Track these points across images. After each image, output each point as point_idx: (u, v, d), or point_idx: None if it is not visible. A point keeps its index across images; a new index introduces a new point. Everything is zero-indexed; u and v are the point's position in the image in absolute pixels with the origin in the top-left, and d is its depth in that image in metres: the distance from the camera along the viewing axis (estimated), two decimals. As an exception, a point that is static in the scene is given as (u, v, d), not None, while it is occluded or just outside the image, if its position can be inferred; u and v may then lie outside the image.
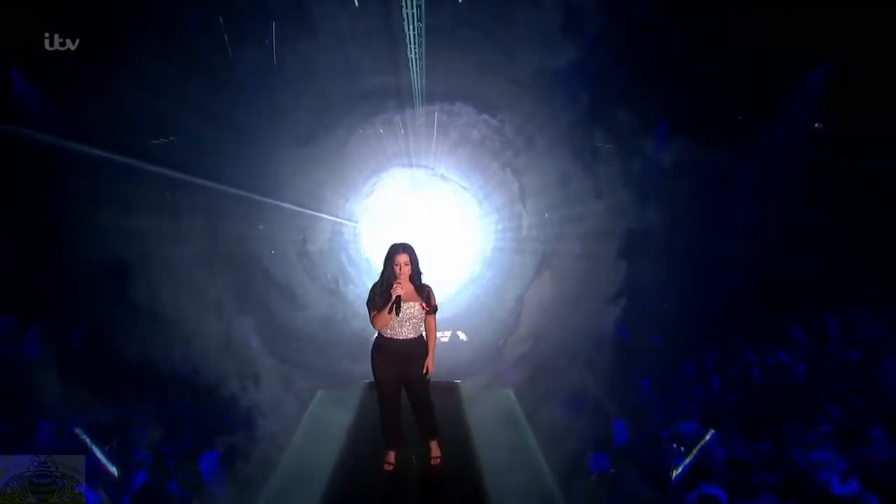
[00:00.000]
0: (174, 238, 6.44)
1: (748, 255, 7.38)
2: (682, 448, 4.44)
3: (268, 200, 7.87)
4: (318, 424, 4.49)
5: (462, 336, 9.01)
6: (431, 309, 3.53)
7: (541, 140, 7.77)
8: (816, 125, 6.97)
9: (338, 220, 10.66)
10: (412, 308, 3.46)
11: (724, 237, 7.50)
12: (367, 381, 5.36)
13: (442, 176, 11.68)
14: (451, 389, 4.87)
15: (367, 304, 3.49)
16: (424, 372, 3.49)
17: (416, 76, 7.54)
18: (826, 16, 5.61)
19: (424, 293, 3.49)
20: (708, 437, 4.46)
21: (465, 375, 6.15)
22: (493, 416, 4.62)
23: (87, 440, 4.08)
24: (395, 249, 3.44)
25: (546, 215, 8.99)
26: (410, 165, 10.60)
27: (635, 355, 7.16)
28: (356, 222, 11.67)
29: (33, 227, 6.41)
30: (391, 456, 3.72)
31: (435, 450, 3.79)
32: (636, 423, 6.01)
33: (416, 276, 3.46)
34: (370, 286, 3.55)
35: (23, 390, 5.31)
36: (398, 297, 3.34)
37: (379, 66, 7.43)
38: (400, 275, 3.38)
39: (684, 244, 7.38)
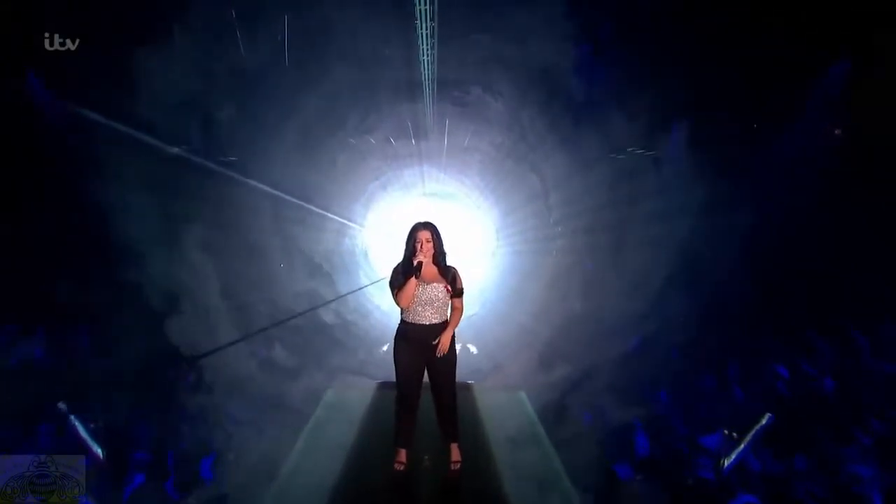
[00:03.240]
0: (174, 233, 6.44)
1: (761, 261, 7.23)
2: (735, 434, 4.29)
3: (272, 192, 7.90)
4: (327, 423, 4.45)
5: (472, 349, 8.95)
6: (457, 292, 3.40)
7: (556, 136, 7.77)
8: (836, 132, 6.90)
9: (343, 221, 10.68)
10: (436, 290, 3.35)
11: (736, 242, 7.37)
12: (378, 380, 5.38)
13: (451, 193, 11.77)
14: (462, 389, 4.80)
15: (390, 284, 3.39)
16: (435, 343, 3.33)
17: (428, 74, 7.59)
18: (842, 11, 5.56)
19: (450, 275, 3.38)
20: (764, 420, 4.31)
21: (478, 377, 6.10)
22: (505, 416, 4.58)
23: (72, 417, 4.04)
24: (417, 227, 3.38)
25: (560, 228, 8.94)
26: (421, 167, 10.63)
27: (652, 366, 7.04)
28: (362, 226, 11.68)
29: (35, 229, 6.43)
30: (402, 455, 3.57)
31: (455, 453, 3.64)
32: (657, 434, 5.92)
33: (439, 255, 3.36)
34: (392, 268, 3.44)
35: (26, 393, 5.30)
36: (420, 262, 3.25)
37: (390, 64, 7.51)
38: (422, 252, 3.29)
39: (699, 252, 7.27)
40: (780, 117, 6.62)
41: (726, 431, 4.42)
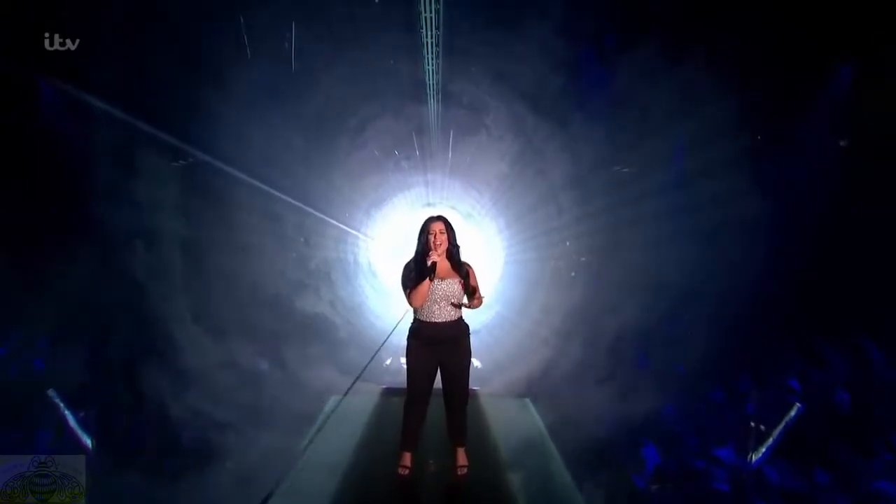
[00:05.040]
0: (174, 236, 6.51)
1: (770, 271, 7.20)
2: (763, 427, 4.25)
3: (276, 193, 8.00)
4: (330, 429, 4.49)
5: (476, 363, 8.97)
6: (471, 291, 3.32)
7: (562, 142, 7.87)
8: (842, 143, 6.92)
9: (347, 229, 10.76)
10: (451, 286, 3.29)
11: (744, 252, 7.35)
12: (383, 387, 5.43)
13: (456, 202, 11.87)
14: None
15: (402, 282, 3.34)
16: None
17: (433, 83, 7.74)
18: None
19: (463, 270, 3.33)
20: (793, 412, 4.26)
21: (484, 384, 6.14)
22: (511, 423, 4.61)
23: (61, 405, 4.07)
24: (430, 219, 3.32)
25: (568, 243, 8.98)
26: (425, 175, 10.75)
27: (659, 380, 7.01)
28: (367, 236, 11.75)
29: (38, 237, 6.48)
30: (407, 458, 3.55)
31: (462, 458, 3.60)
32: (667, 445, 5.89)
33: (453, 249, 3.32)
34: (404, 265, 3.40)
35: (26, 402, 5.32)
36: (434, 262, 3.19)
37: (394, 73, 7.66)
38: (436, 245, 3.24)
39: (707, 262, 7.26)
40: (785, 124, 6.67)
41: (753, 424, 4.34)
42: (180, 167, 6.54)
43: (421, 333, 3.36)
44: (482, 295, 3.36)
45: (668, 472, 5.18)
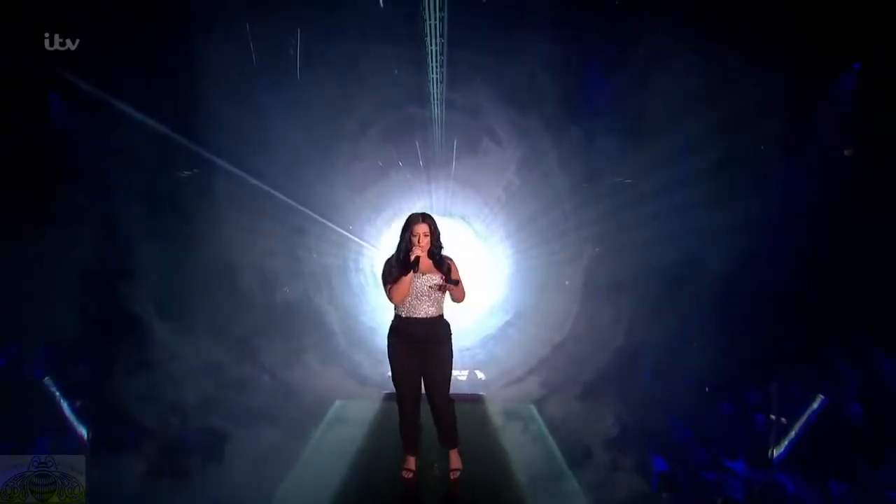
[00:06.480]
0: (176, 236, 6.56)
1: (776, 280, 7.17)
2: (784, 420, 4.18)
3: (278, 195, 8.08)
4: (333, 433, 4.51)
5: (480, 375, 8.94)
6: (453, 283, 3.28)
7: (564, 147, 7.95)
8: (846, 152, 6.95)
9: (352, 237, 10.82)
10: (431, 281, 3.26)
11: (751, 261, 7.33)
12: (386, 391, 5.41)
13: (460, 209, 11.94)
14: (472, 401, 4.84)
15: (383, 277, 3.30)
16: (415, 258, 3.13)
17: (436, 93, 7.85)
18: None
19: (445, 267, 3.30)
20: (816, 404, 4.20)
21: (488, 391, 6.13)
22: (516, 428, 4.59)
23: (57, 394, 4.08)
24: (414, 219, 3.26)
25: (597, 249, 8.99)
26: (429, 184, 10.82)
27: (665, 393, 6.98)
28: (368, 243, 11.79)
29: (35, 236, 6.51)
30: (411, 462, 3.54)
31: (455, 461, 3.55)
32: (674, 455, 5.86)
33: (436, 248, 3.28)
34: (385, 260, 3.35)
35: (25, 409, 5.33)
36: (417, 257, 3.14)
37: (398, 82, 7.78)
38: (418, 246, 3.20)
39: (709, 272, 7.25)
40: (786, 127, 6.70)
41: (771, 416, 4.27)
42: (183, 170, 6.61)
43: (400, 330, 3.32)
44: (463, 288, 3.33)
45: (676, 480, 5.13)
